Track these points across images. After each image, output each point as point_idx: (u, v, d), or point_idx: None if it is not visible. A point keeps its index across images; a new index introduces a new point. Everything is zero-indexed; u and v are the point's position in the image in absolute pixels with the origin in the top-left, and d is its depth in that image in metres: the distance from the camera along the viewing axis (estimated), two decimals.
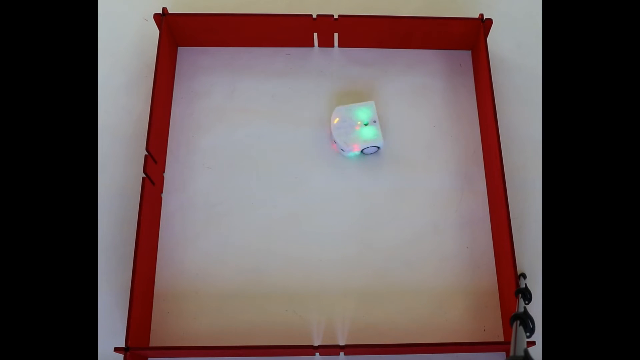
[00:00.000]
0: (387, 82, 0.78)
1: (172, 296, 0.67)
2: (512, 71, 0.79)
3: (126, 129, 0.75)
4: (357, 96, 0.77)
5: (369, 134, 0.72)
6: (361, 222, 0.71)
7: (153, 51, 0.74)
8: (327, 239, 0.70)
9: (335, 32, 0.78)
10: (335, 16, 0.75)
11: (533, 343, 0.60)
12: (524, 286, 0.60)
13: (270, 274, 0.68)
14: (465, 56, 0.80)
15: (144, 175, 0.65)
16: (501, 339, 0.65)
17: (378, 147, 0.73)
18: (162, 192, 0.72)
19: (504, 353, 0.64)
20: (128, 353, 0.58)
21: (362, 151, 0.73)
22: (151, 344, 0.65)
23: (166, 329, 0.65)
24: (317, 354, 0.63)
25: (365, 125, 0.72)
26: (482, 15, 0.75)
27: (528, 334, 0.51)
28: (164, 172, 0.73)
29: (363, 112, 0.73)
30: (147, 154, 0.66)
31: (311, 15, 0.75)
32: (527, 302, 0.58)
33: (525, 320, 0.51)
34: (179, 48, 0.80)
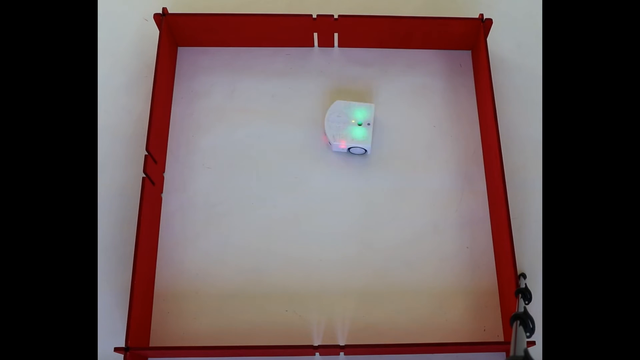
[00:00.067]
0: (387, 82, 0.78)
1: (172, 296, 0.67)
2: (512, 71, 0.79)
3: (126, 129, 0.75)
4: (357, 96, 0.77)
5: (358, 134, 0.72)
6: (361, 222, 0.71)
7: (153, 51, 0.74)
8: (327, 239, 0.70)
9: (335, 32, 0.78)
10: (335, 16, 0.75)
11: (533, 343, 0.60)
12: (524, 286, 0.60)
13: (270, 274, 0.68)
14: (465, 56, 0.80)
15: (144, 175, 0.65)
16: (501, 339, 0.65)
17: (365, 150, 0.73)
18: (162, 192, 0.72)
19: (504, 353, 0.64)
20: (128, 353, 0.58)
21: (349, 149, 0.73)
22: (151, 344, 0.65)
23: (166, 329, 0.65)
24: (317, 354, 0.63)
25: (359, 125, 0.72)
26: (482, 15, 0.75)
27: (528, 334, 0.51)
28: (164, 172, 0.73)
29: (361, 112, 0.73)
30: (147, 154, 0.66)
31: (311, 15, 0.75)
32: (527, 302, 0.58)
33: (525, 320, 0.51)
34: (179, 48, 0.80)
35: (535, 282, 0.67)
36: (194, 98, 0.77)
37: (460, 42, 0.79)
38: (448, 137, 0.75)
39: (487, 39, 0.75)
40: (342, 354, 0.63)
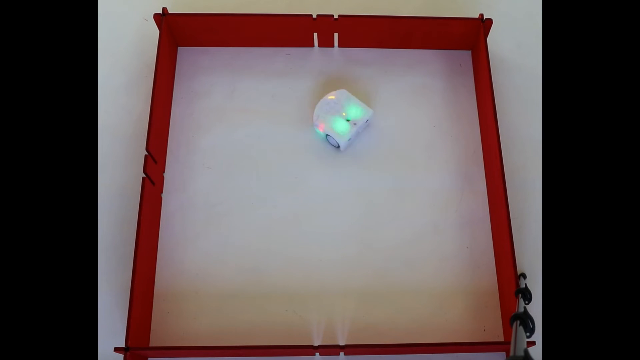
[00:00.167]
0: (387, 82, 0.78)
1: (172, 296, 0.67)
2: (512, 71, 0.79)
3: (126, 129, 0.75)
4: (357, 96, 0.77)
5: (339, 127, 0.72)
6: (361, 222, 0.71)
7: (153, 51, 0.74)
8: (327, 239, 0.70)
9: (335, 32, 0.78)
10: (335, 16, 0.75)
11: (533, 343, 0.60)
12: (524, 286, 0.60)
13: (270, 274, 0.68)
14: (465, 56, 0.80)
15: (144, 175, 0.65)
16: (501, 339, 0.65)
17: (339, 146, 0.73)
18: (162, 192, 0.72)
19: (504, 353, 0.64)
20: (128, 353, 0.58)
21: (327, 136, 0.73)
22: (151, 344, 0.65)
23: (166, 329, 0.65)
24: (317, 354, 0.63)
25: (347, 120, 0.72)
26: (482, 15, 0.75)
27: (528, 334, 0.51)
28: (164, 172, 0.73)
29: (356, 110, 0.73)
30: (147, 154, 0.66)
31: (311, 15, 0.75)
32: (527, 302, 0.58)
33: (525, 320, 0.51)
34: (179, 48, 0.80)
35: (535, 282, 0.67)
36: (194, 98, 0.77)
37: (460, 42, 0.79)
38: (448, 137, 0.75)
39: (487, 39, 0.75)
40: (342, 354, 0.63)
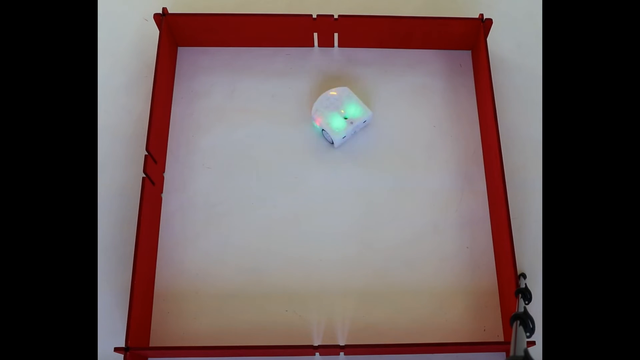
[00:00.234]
0: (387, 82, 0.78)
1: (172, 296, 0.67)
2: (512, 71, 0.79)
3: (126, 129, 0.75)
4: (357, 96, 0.77)
5: (335, 124, 0.72)
6: (361, 222, 0.71)
7: (153, 51, 0.74)
8: (327, 239, 0.70)
9: (335, 32, 0.78)
10: (335, 16, 0.75)
11: (533, 343, 0.60)
12: (524, 286, 0.60)
13: (270, 274, 0.68)
14: (465, 56, 0.80)
15: (144, 175, 0.65)
16: (501, 339, 0.65)
17: (332, 142, 0.73)
18: (162, 192, 0.72)
19: (504, 353, 0.64)
20: (128, 353, 0.58)
21: (322, 131, 0.73)
22: (151, 344, 0.65)
23: (166, 329, 0.65)
24: (317, 354, 0.63)
25: (345, 118, 0.72)
26: (482, 15, 0.75)
27: (528, 334, 0.51)
28: (164, 172, 0.73)
29: (355, 109, 0.73)
30: (147, 154, 0.66)
31: (311, 15, 0.75)
32: (527, 302, 0.58)
33: (525, 320, 0.51)
34: (179, 48, 0.80)
35: (535, 282, 0.67)
36: (194, 98, 0.77)
37: (460, 42, 0.79)
38: (448, 137, 0.75)
39: (487, 39, 0.75)
40: (342, 354, 0.63)
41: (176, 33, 0.78)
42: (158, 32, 0.74)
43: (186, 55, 0.80)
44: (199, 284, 0.67)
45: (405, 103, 0.77)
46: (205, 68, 0.79)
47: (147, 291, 0.66)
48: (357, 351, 0.63)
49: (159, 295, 0.67)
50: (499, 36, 0.80)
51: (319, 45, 0.80)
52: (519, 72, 0.79)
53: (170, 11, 0.75)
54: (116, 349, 0.58)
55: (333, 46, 0.81)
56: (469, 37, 0.78)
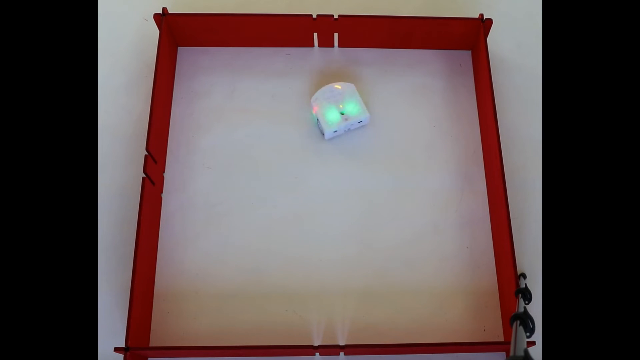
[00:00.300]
0: (387, 82, 0.78)
1: (172, 296, 0.67)
2: (512, 71, 0.79)
3: (126, 129, 0.75)
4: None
5: (329, 116, 0.73)
6: (361, 222, 0.71)
7: (153, 51, 0.74)
8: (327, 239, 0.70)
9: (335, 32, 0.78)
10: (335, 16, 0.75)
11: (533, 343, 0.60)
12: (524, 286, 0.60)
13: (270, 274, 0.68)
14: (465, 56, 0.80)
15: (144, 175, 0.65)
16: (501, 339, 0.65)
17: (323, 134, 0.74)
18: (162, 192, 0.72)
19: (504, 353, 0.64)
20: (128, 353, 0.58)
21: (317, 120, 0.74)
22: (151, 344, 0.65)
23: (166, 329, 0.65)
24: (317, 354, 0.63)
25: (342, 114, 0.73)
26: (482, 15, 0.75)
27: (528, 334, 0.51)
28: (164, 172, 0.73)
29: (353, 107, 0.73)
30: (147, 154, 0.66)
31: (311, 15, 0.75)
32: (527, 302, 0.58)
33: (525, 320, 0.51)
34: (179, 48, 0.80)
35: (535, 282, 0.67)
36: (194, 98, 0.77)
37: (460, 42, 0.79)
38: (448, 137, 0.75)
39: (487, 39, 0.75)
40: (342, 354, 0.63)
41: (176, 33, 0.78)
42: (158, 32, 0.74)
43: (186, 55, 0.80)
44: (199, 284, 0.67)
45: (405, 103, 0.77)
46: (205, 68, 0.79)
47: (147, 291, 0.66)
48: (357, 351, 0.63)
49: (159, 295, 0.67)
50: (499, 36, 0.80)
51: (319, 45, 0.80)
52: (519, 72, 0.79)
53: (170, 11, 0.75)
54: (116, 349, 0.58)
55: (333, 46, 0.81)
56: (469, 37, 0.78)
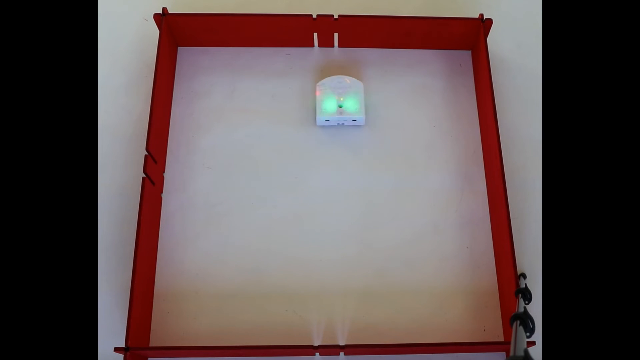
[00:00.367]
0: (387, 82, 0.78)
1: (172, 296, 0.67)
2: (512, 71, 0.79)
3: (126, 129, 0.75)
4: None
5: (327, 105, 0.74)
6: (361, 222, 0.71)
7: (153, 51, 0.74)
8: (327, 239, 0.70)
9: (335, 32, 0.78)
10: (335, 16, 0.75)
11: (533, 343, 0.60)
12: (524, 286, 0.60)
13: (270, 274, 0.68)
14: (465, 56, 0.80)
15: (144, 175, 0.65)
16: (501, 339, 0.65)
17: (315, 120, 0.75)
18: (162, 192, 0.72)
19: (504, 353, 0.64)
20: (128, 353, 0.58)
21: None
22: (151, 344, 0.65)
23: (166, 329, 0.65)
24: (317, 354, 0.63)
25: (339, 107, 0.73)
26: (482, 15, 0.75)
27: (528, 334, 0.51)
28: (164, 172, 0.73)
29: (353, 104, 0.74)
30: (147, 154, 0.66)
31: (311, 15, 0.75)
32: (527, 302, 0.58)
33: (525, 320, 0.51)
34: (179, 48, 0.80)
35: (535, 282, 0.67)
36: (194, 98, 0.77)
37: (460, 42, 0.79)
38: (448, 137, 0.75)
39: (487, 39, 0.75)
40: (342, 354, 0.63)
41: (176, 33, 0.78)
42: (158, 32, 0.74)
43: (186, 55, 0.80)
44: (199, 284, 0.67)
45: (405, 103, 0.77)
46: (205, 68, 0.79)
47: (147, 291, 0.66)
48: (357, 351, 0.63)
49: (159, 295, 0.67)
50: (499, 36, 0.80)
51: (319, 45, 0.80)
52: (519, 72, 0.79)
53: (170, 11, 0.75)
54: (116, 349, 0.58)
55: (333, 46, 0.81)
56: (469, 37, 0.78)
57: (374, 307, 0.66)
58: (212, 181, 0.73)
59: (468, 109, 0.77)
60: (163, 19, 0.74)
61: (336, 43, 0.80)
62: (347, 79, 0.75)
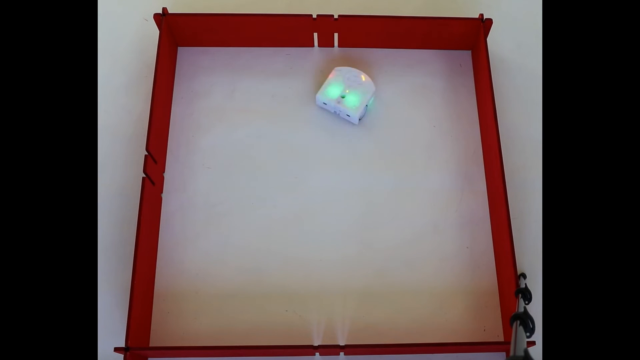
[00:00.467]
0: (387, 82, 0.78)
1: (172, 296, 0.67)
2: (512, 71, 0.79)
3: (126, 129, 0.75)
4: None
5: (331, 90, 0.75)
6: (361, 222, 0.71)
7: (153, 51, 0.74)
8: (327, 239, 0.70)
9: (335, 32, 0.78)
10: (335, 16, 0.75)
11: (533, 343, 0.60)
12: (524, 286, 0.60)
13: (270, 274, 0.68)
14: (465, 56, 0.80)
15: (144, 175, 0.65)
16: (501, 339, 0.65)
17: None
18: (162, 192, 0.72)
19: (504, 353, 0.64)
20: (128, 353, 0.58)
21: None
22: (151, 344, 0.65)
23: (166, 329, 0.65)
24: (317, 354, 0.63)
25: (343, 97, 0.74)
26: (482, 15, 0.75)
27: (528, 334, 0.51)
28: (164, 172, 0.73)
29: (354, 101, 0.74)
30: (147, 154, 0.66)
31: (311, 15, 0.75)
32: (527, 302, 0.58)
33: (525, 320, 0.51)
34: (179, 48, 0.80)
35: (535, 282, 0.67)
36: (194, 98, 0.77)
37: (460, 42, 0.79)
38: (448, 137, 0.75)
39: (487, 39, 0.75)
40: (342, 354, 0.63)
41: (176, 33, 0.78)
42: (158, 32, 0.74)
43: (186, 55, 0.80)
44: (199, 284, 0.67)
45: (405, 103, 0.77)
46: (205, 68, 0.79)
47: (147, 291, 0.66)
48: (357, 351, 0.63)
49: (159, 295, 0.67)
50: (499, 36, 0.80)
51: (319, 45, 0.80)
52: (519, 72, 0.79)
53: (170, 11, 0.75)
54: (116, 349, 0.58)
55: (333, 46, 0.81)
56: (469, 37, 0.78)
57: (374, 307, 0.66)
58: (212, 181, 0.73)
59: (468, 109, 0.77)
60: (163, 19, 0.74)
61: (336, 43, 0.80)
62: (364, 77, 0.75)
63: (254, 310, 0.66)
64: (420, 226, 0.70)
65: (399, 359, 0.64)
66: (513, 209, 0.69)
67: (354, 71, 0.76)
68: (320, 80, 0.78)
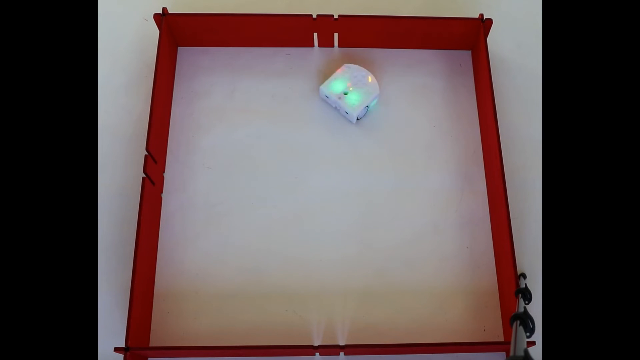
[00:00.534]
0: (387, 82, 0.78)
1: (172, 296, 0.67)
2: (512, 71, 0.79)
3: (126, 129, 0.75)
4: None
5: (335, 85, 0.75)
6: (361, 222, 0.71)
7: (153, 51, 0.74)
8: (327, 239, 0.70)
9: (335, 32, 0.78)
10: (335, 16, 0.75)
11: (533, 343, 0.60)
12: (524, 286, 0.60)
13: (270, 274, 0.68)
14: (465, 56, 0.80)
15: (144, 175, 0.65)
16: (501, 339, 0.65)
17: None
18: (162, 192, 0.72)
19: (504, 353, 0.64)
20: (128, 353, 0.58)
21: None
22: (151, 344, 0.65)
23: (166, 329, 0.65)
24: (317, 354, 0.63)
25: (345, 94, 0.74)
26: (482, 15, 0.75)
27: (528, 334, 0.51)
28: (164, 172, 0.73)
29: (355, 100, 0.74)
30: (147, 154, 0.66)
31: (311, 15, 0.75)
32: (527, 302, 0.58)
33: (525, 320, 0.51)
34: (179, 48, 0.80)
35: (535, 282, 0.67)
36: (194, 98, 0.77)
37: (460, 42, 0.79)
38: (448, 137, 0.75)
39: (487, 39, 0.75)
40: (342, 354, 0.63)
41: (176, 33, 0.78)
42: (158, 32, 0.74)
43: (186, 55, 0.80)
44: (199, 284, 0.67)
45: (405, 103, 0.77)
46: (205, 68, 0.79)
47: (147, 291, 0.66)
48: (357, 351, 0.63)
49: (159, 295, 0.67)
50: (499, 36, 0.80)
51: (319, 45, 0.80)
52: (519, 72, 0.79)
53: (170, 11, 0.75)
54: (116, 349, 0.58)
55: (333, 46, 0.81)
56: (469, 37, 0.78)
57: (374, 307, 0.66)
58: (212, 181, 0.73)
59: (468, 109, 0.77)
60: (163, 19, 0.74)
61: (336, 43, 0.80)
62: (370, 78, 0.75)
63: (254, 310, 0.66)
64: (420, 226, 0.70)
65: (399, 359, 0.64)
66: (513, 209, 0.69)
67: (362, 71, 0.76)
68: (320, 80, 0.78)
